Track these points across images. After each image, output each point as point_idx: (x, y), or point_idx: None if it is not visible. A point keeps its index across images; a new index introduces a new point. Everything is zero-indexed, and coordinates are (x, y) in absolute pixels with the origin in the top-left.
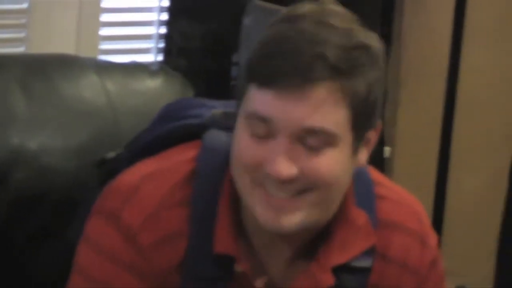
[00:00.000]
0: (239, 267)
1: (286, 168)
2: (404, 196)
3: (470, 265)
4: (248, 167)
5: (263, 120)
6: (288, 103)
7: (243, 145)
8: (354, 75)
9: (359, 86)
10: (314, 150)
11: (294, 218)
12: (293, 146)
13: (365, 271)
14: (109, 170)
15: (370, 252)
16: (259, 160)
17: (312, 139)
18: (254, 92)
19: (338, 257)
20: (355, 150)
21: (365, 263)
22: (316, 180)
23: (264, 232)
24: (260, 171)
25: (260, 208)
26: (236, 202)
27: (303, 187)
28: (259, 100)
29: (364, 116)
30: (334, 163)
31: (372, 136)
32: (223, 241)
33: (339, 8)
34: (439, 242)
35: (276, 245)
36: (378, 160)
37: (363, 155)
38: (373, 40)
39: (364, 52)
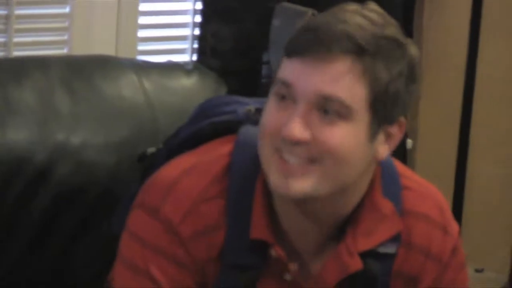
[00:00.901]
0: (274, 253)
1: (299, 130)
2: (428, 188)
3: (489, 251)
4: (268, 132)
5: (286, 84)
6: (310, 71)
7: (268, 110)
8: (377, 59)
9: (381, 73)
10: (330, 119)
11: (302, 185)
12: (310, 112)
13: (390, 257)
14: (149, 164)
15: (395, 239)
16: (278, 125)
17: (328, 108)
18: (284, 62)
19: (364, 243)
20: (372, 135)
21: (390, 249)
22: (327, 148)
23: (295, 218)
24: (278, 136)
25: (273, 174)
26: (269, 192)
27: (314, 155)
28: (287, 68)
29: (383, 103)
30: (347, 137)
31: (395, 131)
32: (259, 228)
33: (381, 10)
34: (460, 231)
35: (307, 230)
36: (401, 152)
37: (383, 149)
38: (407, 42)
39: (394, 45)
